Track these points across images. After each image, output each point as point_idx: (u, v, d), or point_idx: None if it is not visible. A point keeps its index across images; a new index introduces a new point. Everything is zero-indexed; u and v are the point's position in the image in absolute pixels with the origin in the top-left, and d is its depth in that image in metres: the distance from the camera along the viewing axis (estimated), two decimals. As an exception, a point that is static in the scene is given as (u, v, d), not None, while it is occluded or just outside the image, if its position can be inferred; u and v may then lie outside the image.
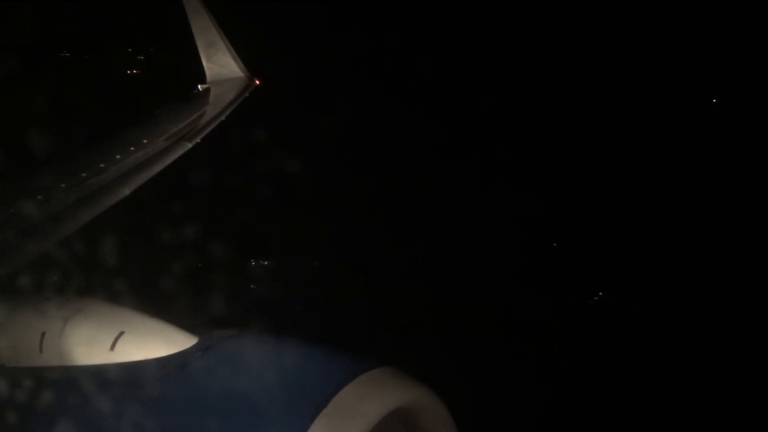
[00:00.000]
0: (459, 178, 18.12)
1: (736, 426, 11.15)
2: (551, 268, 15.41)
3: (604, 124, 20.12)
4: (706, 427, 11.36)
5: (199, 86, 10.37)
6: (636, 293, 14.67)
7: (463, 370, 10.91)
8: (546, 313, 13.84)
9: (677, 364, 12.43)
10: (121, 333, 3.53)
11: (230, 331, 3.43)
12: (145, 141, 7.98)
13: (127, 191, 6.78)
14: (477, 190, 17.54)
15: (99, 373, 3.43)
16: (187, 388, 3.17)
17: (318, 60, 21.30)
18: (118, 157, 7.45)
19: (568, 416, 11.41)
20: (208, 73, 10.51)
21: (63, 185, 6.57)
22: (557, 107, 20.76)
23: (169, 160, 7.72)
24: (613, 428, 11.33)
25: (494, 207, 16.83)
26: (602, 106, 20.80)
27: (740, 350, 12.53)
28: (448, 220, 16.43)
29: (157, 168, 7.46)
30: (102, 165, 7.17)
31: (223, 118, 9.22)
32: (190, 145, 8.12)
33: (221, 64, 10.49)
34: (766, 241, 15.31)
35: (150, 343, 3.46)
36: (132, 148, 7.73)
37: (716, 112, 22.29)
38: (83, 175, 6.85)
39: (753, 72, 21.24)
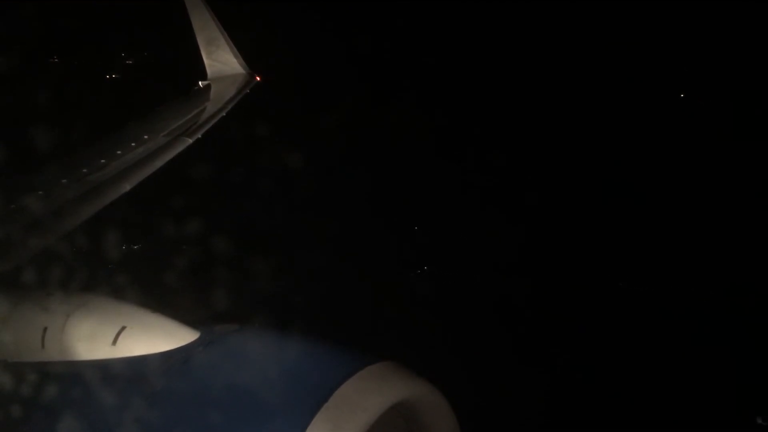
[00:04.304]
0: (459, 174, 18.13)
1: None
2: (552, 263, 15.41)
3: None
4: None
5: (200, 83, 10.38)
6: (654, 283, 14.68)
7: (464, 364, 10.94)
8: (547, 308, 13.87)
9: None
10: (123, 328, 3.53)
11: (232, 327, 3.43)
12: (145, 137, 7.98)
13: (127, 187, 6.78)
14: (477, 186, 17.55)
15: (101, 368, 3.43)
16: (188, 383, 3.18)
17: (318, 56, 21.28)
18: (118, 152, 7.45)
19: (570, 411, 11.44)
20: (208, 69, 10.51)
21: (64, 181, 6.57)
22: (558, 107, 20.73)
23: (169, 156, 7.72)
24: (614, 425, 11.34)
25: (495, 203, 16.83)
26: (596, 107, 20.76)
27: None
28: (449, 216, 16.44)
29: (158, 164, 7.47)
30: (103, 161, 7.17)
31: (224, 114, 9.23)
32: (190, 141, 8.13)
33: (222, 61, 10.50)
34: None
35: (152, 338, 3.46)
36: (133, 144, 7.73)
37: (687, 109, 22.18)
38: (84, 170, 6.85)
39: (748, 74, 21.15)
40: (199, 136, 8.35)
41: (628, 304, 14.09)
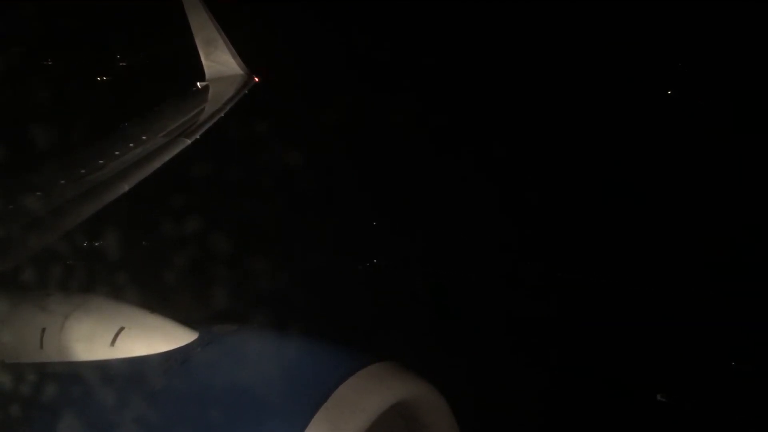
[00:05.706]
0: (459, 174, 18.12)
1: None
2: (552, 262, 15.43)
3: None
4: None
5: (198, 83, 10.38)
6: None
7: (463, 364, 10.94)
8: (547, 308, 13.87)
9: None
10: (122, 329, 3.53)
11: (230, 327, 3.43)
12: (144, 137, 7.99)
13: (126, 187, 6.78)
14: (477, 185, 17.54)
15: (99, 369, 3.43)
16: (187, 384, 3.18)
17: (317, 57, 21.28)
18: (117, 153, 7.45)
19: (570, 411, 11.44)
20: (207, 70, 10.52)
21: (62, 181, 6.57)
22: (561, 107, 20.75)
23: (168, 156, 7.72)
24: (614, 425, 11.35)
25: (495, 202, 16.83)
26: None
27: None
28: (448, 216, 16.44)
29: (156, 164, 7.47)
30: (101, 161, 7.17)
31: (222, 115, 9.24)
32: (189, 142, 8.13)
33: (220, 62, 10.50)
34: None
35: (150, 338, 3.46)
36: (131, 145, 7.74)
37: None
38: (82, 171, 6.85)
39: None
40: (198, 136, 8.35)
41: (628, 304, 14.09)
